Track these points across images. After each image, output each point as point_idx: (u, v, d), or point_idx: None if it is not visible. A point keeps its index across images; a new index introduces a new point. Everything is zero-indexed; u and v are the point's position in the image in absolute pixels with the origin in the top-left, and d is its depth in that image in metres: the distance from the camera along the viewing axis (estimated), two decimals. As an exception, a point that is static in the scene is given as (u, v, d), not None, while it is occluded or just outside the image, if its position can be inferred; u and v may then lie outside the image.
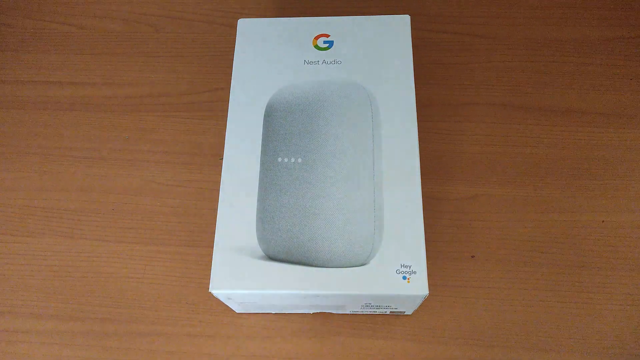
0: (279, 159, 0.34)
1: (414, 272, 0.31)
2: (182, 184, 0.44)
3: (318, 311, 0.37)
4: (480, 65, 0.47)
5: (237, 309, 0.37)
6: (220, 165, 0.44)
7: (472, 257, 0.40)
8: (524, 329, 0.37)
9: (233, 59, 0.38)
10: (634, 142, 0.43)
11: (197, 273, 0.40)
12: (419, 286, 0.31)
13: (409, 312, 0.37)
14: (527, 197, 0.42)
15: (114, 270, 0.41)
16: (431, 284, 0.39)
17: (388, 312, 0.37)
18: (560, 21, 0.49)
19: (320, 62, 0.37)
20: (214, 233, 0.41)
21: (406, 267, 0.32)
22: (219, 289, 0.32)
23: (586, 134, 0.44)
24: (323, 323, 0.38)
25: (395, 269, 0.32)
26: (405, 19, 0.39)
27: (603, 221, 0.41)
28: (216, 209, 0.42)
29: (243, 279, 0.32)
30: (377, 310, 0.36)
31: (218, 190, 0.43)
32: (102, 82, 0.48)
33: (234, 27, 0.50)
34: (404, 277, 0.31)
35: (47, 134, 0.46)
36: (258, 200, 0.34)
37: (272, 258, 0.33)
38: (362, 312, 0.37)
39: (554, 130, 0.44)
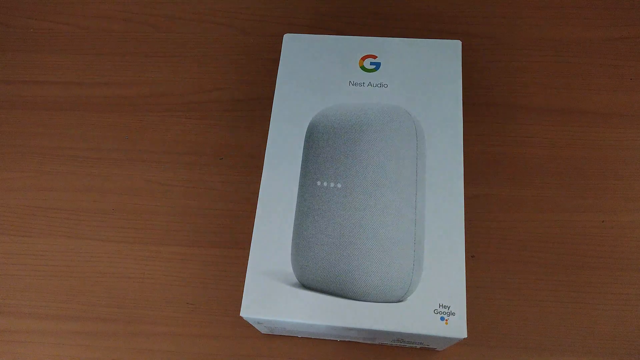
0: (318, 183, 0.33)
1: (453, 314, 0.30)
2: (182, 184, 0.44)
3: (346, 340, 0.37)
4: (480, 65, 0.47)
5: (263, 330, 0.36)
6: (220, 165, 0.44)
7: (472, 257, 0.40)
8: (524, 329, 0.37)
9: (277, 74, 0.37)
10: (634, 142, 0.43)
11: (197, 273, 0.40)
12: (457, 329, 0.30)
13: (440, 348, 0.36)
14: (527, 197, 0.42)
15: (114, 270, 0.41)
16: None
17: (418, 347, 0.36)
18: (560, 21, 0.49)
19: (365, 84, 0.36)
20: (214, 232, 0.41)
21: (445, 307, 0.30)
22: (250, 314, 0.31)
23: (586, 134, 0.44)
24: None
25: (433, 308, 0.30)
26: (457, 44, 0.37)
27: (603, 221, 0.41)
28: (216, 209, 0.43)
29: (275, 306, 0.31)
30: (408, 344, 0.35)
31: (218, 190, 0.43)
32: (102, 82, 0.48)
33: (233, 27, 0.50)
34: (442, 318, 0.30)
35: (47, 134, 0.46)
36: (294, 224, 0.33)
37: (305, 286, 0.32)
38: (391, 344, 0.36)
39: (554, 130, 0.44)
